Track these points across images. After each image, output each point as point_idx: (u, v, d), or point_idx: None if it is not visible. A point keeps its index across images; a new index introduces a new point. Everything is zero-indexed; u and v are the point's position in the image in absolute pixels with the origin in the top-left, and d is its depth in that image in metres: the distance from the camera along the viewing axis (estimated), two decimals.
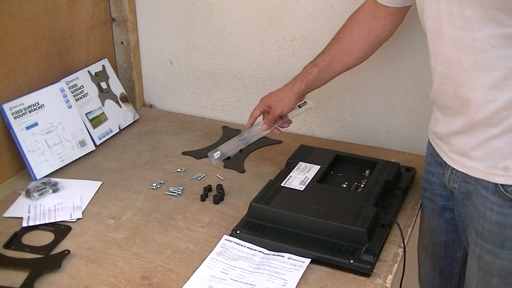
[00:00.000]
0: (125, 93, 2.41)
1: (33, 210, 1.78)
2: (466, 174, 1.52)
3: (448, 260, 1.80)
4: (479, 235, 1.53)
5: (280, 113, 1.86)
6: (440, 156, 1.62)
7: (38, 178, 1.96)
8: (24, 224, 1.72)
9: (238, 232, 1.63)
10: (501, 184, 1.43)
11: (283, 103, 1.85)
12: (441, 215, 1.73)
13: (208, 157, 1.94)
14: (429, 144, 1.72)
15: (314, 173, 1.83)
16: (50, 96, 2.06)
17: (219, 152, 1.91)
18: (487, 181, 1.46)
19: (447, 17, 1.37)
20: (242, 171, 2.03)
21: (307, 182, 1.78)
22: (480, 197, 1.49)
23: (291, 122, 1.92)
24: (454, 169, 1.55)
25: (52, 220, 1.74)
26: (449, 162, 1.57)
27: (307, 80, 1.84)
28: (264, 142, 2.23)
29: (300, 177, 1.81)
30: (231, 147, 1.95)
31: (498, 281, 1.52)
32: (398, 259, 1.57)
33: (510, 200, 1.42)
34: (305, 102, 1.91)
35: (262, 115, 1.92)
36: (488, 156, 1.44)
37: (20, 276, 1.49)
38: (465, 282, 1.66)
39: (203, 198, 1.85)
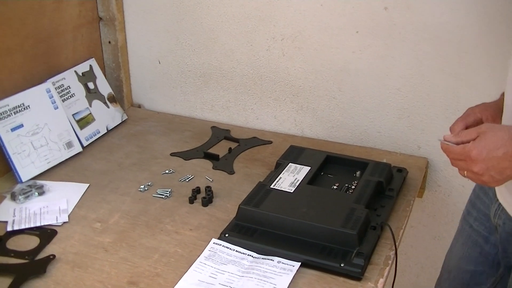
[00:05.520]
0: (113, 93, 2.38)
1: (18, 214, 1.75)
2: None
3: None
4: None
5: None
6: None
7: (23, 180, 1.93)
8: (9, 228, 1.69)
9: (226, 235, 1.61)
10: None
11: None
12: (477, 244, 1.63)
13: None
14: None
15: (304, 175, 1.81)
16: (35, 97, 2.03)
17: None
18: None
19: None
20: (231, 172, 2.01)
21: (297, 184, 1.76)
22: None
23: None
24: (501, 204, 1.46)
25: (38, 224, 1.71)
26: (498, 195, 1.46)
27: None
28: (254, 142, 2.21)
29: (290, 178, 1.79)
30: None
31: None
32: (390, 262, 1.55)
33: None
34: None
35: None
36: None
37: (4, 282, 1.46)
38: None
39: (192, 200, 1.82)
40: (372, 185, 1.76)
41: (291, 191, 1.72)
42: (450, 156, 1.31)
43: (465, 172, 1.28)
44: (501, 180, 1.24)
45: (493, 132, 1.24)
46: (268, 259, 1.53)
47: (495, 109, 1.50)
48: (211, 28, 2.30)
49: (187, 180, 1.95)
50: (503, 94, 1.47)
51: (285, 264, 1.51)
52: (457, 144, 1.30)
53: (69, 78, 2.20)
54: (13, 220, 1.72)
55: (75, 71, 2.24)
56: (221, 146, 2.20)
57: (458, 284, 1.75)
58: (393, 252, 1.58)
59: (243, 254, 1.55)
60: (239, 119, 2.40)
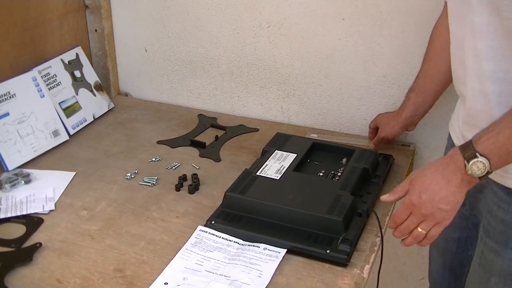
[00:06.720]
0: (100, 81, 2.38)
1: (4, 202, 1.75)
2: None
3: (459, 258, 1.76)
4: (484, 230, 1.49)
5: (384, 136, 1.96)
6: None
7: (10, 169, 1.92)
8: None
9: (213, 222, 1.61)
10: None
11: (387, 128, 1.95)
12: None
13: None
14: (449, 136, 1.67)
15: (290, 162, 1.81)
16: (22, 85, 2.02)
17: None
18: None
19: None
20: (217, 159, 2.01)
21: (283, 171, 1.76)
22: (491, 192, 1.45)
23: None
24: None
25: (24, 212, 1.70)
26: None
27: (408, 106, 1.87)
28: (240, 130, 2.21)
29: (276, 165, 1.79)
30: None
31: (497, 280, 1.47)
32: (376, 248, 1.55)
33: None
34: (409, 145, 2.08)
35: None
36: None
37: None
38: (467, 278, 1.63)
39: (178, 188, 1.82)
40: (358, 171, 1.76)
41: (277, 178, 1.72)
42: (399, 221, 1.43)
43: (419, 227, 1.39)
44: (452, 209, 1.36)
45: (420, 173, 1.39)
46: (254, 246, 1.53)
47: (391, 117, 1.94)
48: (197, 15, 2.29)
49: (173, 167, 1.95)
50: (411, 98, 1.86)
51: (271, 250, 1.51)
52: (396, 200, 1.48)
53: (55, 66, 2.19)
54: None
55: (61, 59, 2.23)
56: (207, 134, 2.19)
57: (447, 255, 1.80)
58: (379, 238, 1.58)
59: (229, 241, 1.56)
60: (225, 106, 2.40)
